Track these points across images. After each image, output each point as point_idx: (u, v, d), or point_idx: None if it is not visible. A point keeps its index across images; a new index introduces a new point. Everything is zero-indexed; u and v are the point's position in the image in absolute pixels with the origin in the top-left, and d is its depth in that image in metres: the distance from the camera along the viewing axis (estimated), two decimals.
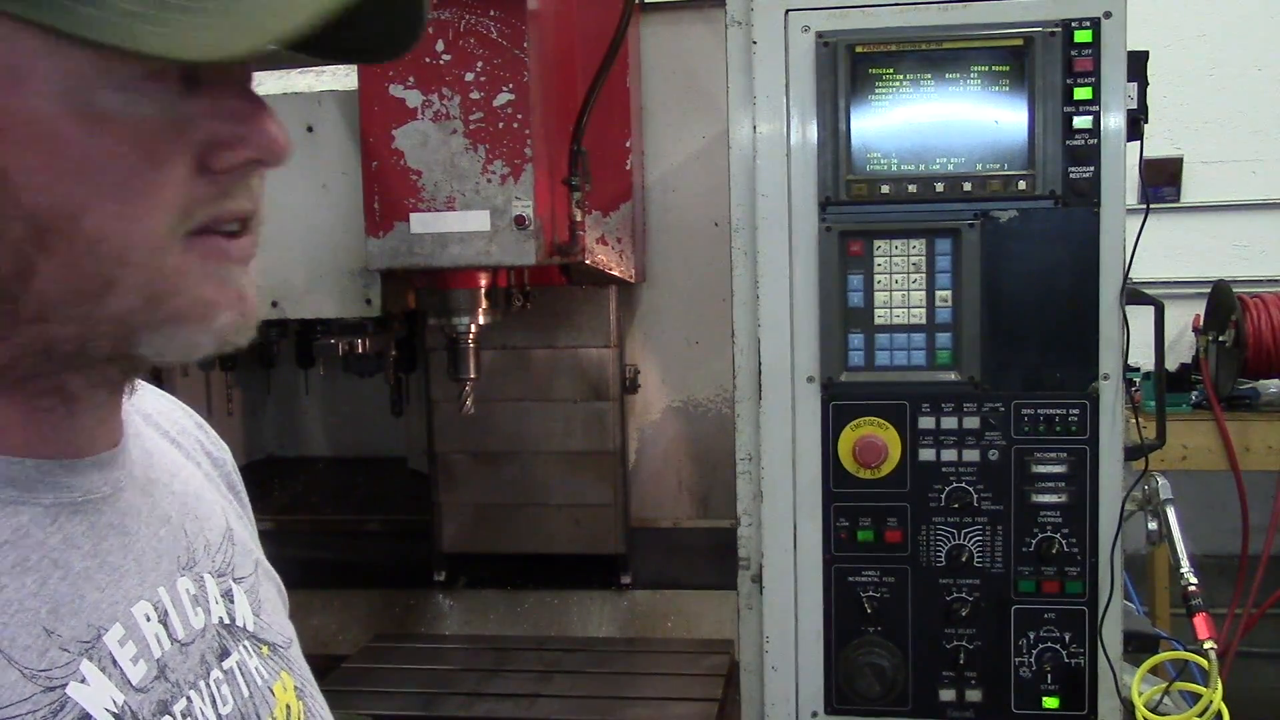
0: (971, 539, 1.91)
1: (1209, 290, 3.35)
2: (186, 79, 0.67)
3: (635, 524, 2.78)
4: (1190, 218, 3.79)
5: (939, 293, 1.90)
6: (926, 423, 1.91)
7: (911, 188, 1.87)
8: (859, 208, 1.89)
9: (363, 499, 3.07)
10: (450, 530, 2.77)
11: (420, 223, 2.08)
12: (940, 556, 1.92)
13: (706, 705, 2.20)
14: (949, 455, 1.91)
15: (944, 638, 1.93)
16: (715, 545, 2.60)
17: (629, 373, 2.77)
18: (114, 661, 0.71)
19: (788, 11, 1.89)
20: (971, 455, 1.90)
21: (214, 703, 0.78)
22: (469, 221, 2.07)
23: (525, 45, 2.04)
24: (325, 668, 2.45)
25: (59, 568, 0.69)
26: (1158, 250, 3.53)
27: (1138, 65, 1.89)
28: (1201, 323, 3.35)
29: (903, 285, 1.90)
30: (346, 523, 2.95)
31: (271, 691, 0.85)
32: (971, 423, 1.90)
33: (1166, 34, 3.60)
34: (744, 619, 2.03)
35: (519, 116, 2.06)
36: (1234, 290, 3.22)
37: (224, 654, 0.82)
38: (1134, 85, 1.87)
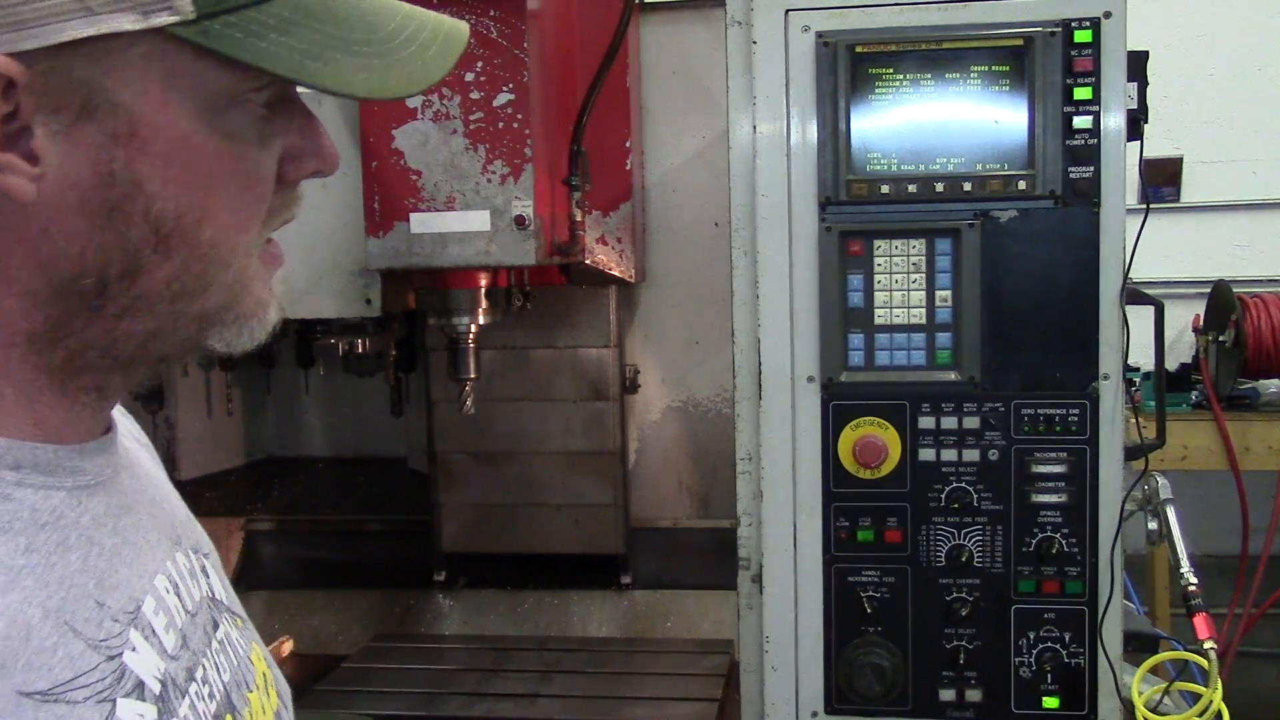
0: (971, 539, 1.91)
1: (1209, 290, 3.35)
2: (273, 101, 0.74)
3: (635, 524, 2.78)
4: (1190, 218, 3.79)
5: (939, 293, 1.90)
6: (926, 423, 1.91)
7: (911, 188, 1.87)
8: (859, 208, 1.89)
9: (363, 499, 3.07)
10: (450, 530, 2.77)
11: (420, 223, 2.08)
12: (940, 556, 1.92)
13: (706, 705, 2.20)
14: (949, 455, 1.91)
15: (944, 638, 1.93)
16: (715, 545, 2.60)
17: (629, 373, 2.77)
18: (153, 631, 0.75)
19: (788, 11, 1.89)
20: (971, 455, 1.90)
21: (218, 670, 0.82)
22: (469, 221, 2.07)
23: (525, 45, 2.04)
24: (325, 668, 2.45)
25: (94, 545, 0.73)
26: (1158, 250, 3.52)
27: (1138, 65, 1.88)
28: (1201, 323, 3.35)
29: (903, 285, 1.90)
30: (346, 523, 2.95)
31: (250, 660, 0.89)
32: (971, 423, 1.90)
33: (1166, 34, 3.60)
34: (744, 619, 2.03)
35: (519, 116, 2.05)
36: (1234, 290, 3.22)
37: (214, 625, 0.85)
38: (1134, 85, 1.87)
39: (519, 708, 2.25)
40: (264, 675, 0.91)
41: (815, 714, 1.97)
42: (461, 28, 0.78)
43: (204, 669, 0.80)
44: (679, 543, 2.80)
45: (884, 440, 1.91)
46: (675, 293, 2.80)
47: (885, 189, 1.88)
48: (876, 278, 1.90)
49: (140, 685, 0.71)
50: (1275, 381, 3.28)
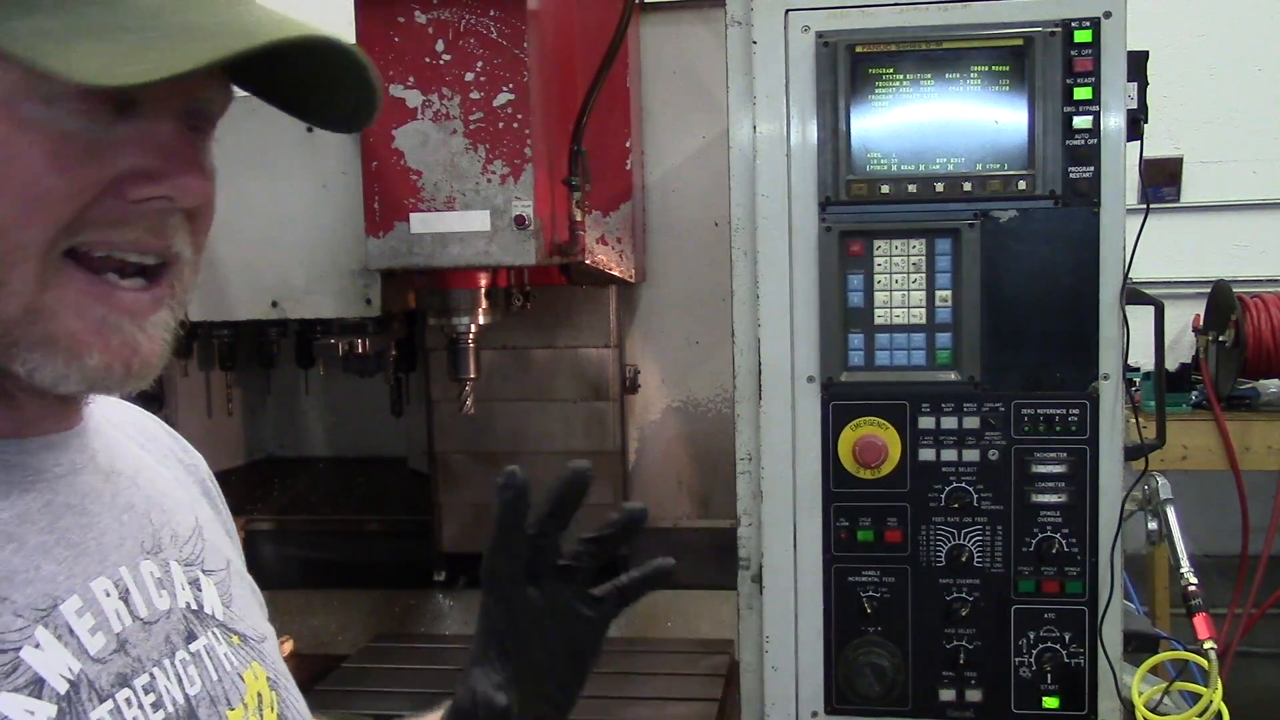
0: (971, 539, 1.91)
1: (1209, 290, 3.35)
2: (121, 104, 0.70)
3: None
4: (1190, 218, 3.79)
5: (939, 293, 1.90)
6: (926, 423, 1.91)
7: (911, 188, 1.87)
8: (859, 208, 1.89)
9: (363, 499, 3.06)
10: (450, 530, 2.77)
11: (420, 222, 2.08)
12: (940, 556, 1.92)
13: (706, 705, 2.20)
14: (949, 455, 1.91)
15: (944, 638, 1.93)
16: (715, 545, 2.60)
17: (629, 373, 2.77)
18: (71, 631, 0.73)
19: (788, 11, 1.89)
20: (971, 455, 1.90)
21: (180, 681, 0.80)
22: (469, 221, 2.07)
23: (525, 45, 2.04)
24: (325, 668, 2.45)
25: (13, 540, 0.72)
26: (1158, 250, 3.52)
27: (1138, 65, 1.88)
28: (1201, 323, 3.34)
29: (903, 285, 1.90)
30: (346, 523, 2.95)
31: (241, 678, 0.86)
32: (971, 423, 1.90)
33: (1166, 34, 3.59)
34: (744, 619, 2.03)
35: (519, 116, 2.05)
36: (1234, 290, 3.22)
37: (191, 637, 0.83)
38: (1134, 85, 1.87)
39: None
40: (258, 695, 0.88)
41: (815, 714, 1.97)
42: (298, 25, 0.71)
43: (151, 677, 0.78)
44: (679, 543, 2.80)
45: (884, 440, 1.91)
46: (675, 293, 2.80)
47: (885, 189, 1.88)
48: (876, 278, 1.90)
49: (38, 681, 0.69)
50: (1275, 381, 3.28)
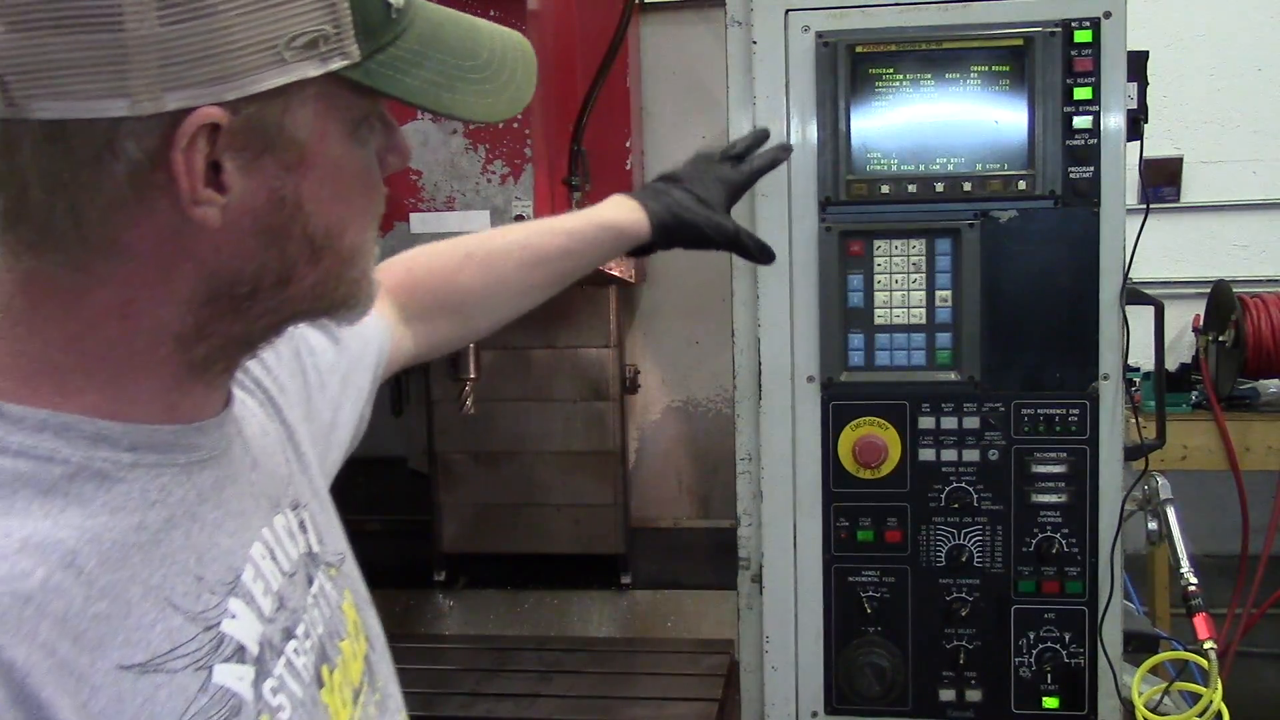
0: (971, 539, 1.91)
1: (1209, 290, 3.35)
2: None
3: (635, 524, 2.78)
4: (1190, 218, 3.78)
5: (939, 293, 1.90)
6: (926, 423, 1.91)
7: (911, 188, 1.88)
8: (859, 208, 1.89)
9: (363, 499, 3.06)
10: (450, 530, 2.77)
11: (420, 222, 2.08)
12: (940, 556, 1.92)
13: (706, 705, 2.20)
14: (949, 455, 1.91)
15: (944, 638, 1.93)
16: (715, 545, 2.60)
17: (629, 373, 2.77)
18: (253, 597, 0.81)
19: (788, 11, 1.89)
20: (971, 455, 1.90)
21: (314, 624, 0.89)
22: (469, 221, 2.07)
23: None
24: None
25: (196, 520, 0.79)
26: (1158, 250, 3.52)
27: (1138, 65, 1.88)
28: (1201, 323, 3.34)
29: (903, 285, 1.90)
30: (346, 523, 2.94)
31: (341, 609, 0.96)
32: (971, 423, 1.90)
33: (1166, 34, 3.60)
34: (744, 619, 2.03)
35: (519, 116, 2.05)
36: (1234, 290, 3.22)
37: (310, 580, 0.92)
38: (1134, 85, 1.87)
39: (519, 708, 2.24)
40: (354, 623, 0.97)
41: (815, 714, 1.97)
42: (524, 43, 0.89)
43: (304, 625, 0.87)
44: (679, 543, 2.80)
45: (884, 440, 1.91)
46: (675, 293, 2.80)
47: (885, 189, 1.88)
48: (876, 278, 1.91)
49: (240, 649, 0.77)
50: (1275, 381, 3.28)
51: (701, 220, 1.45)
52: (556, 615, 2.74)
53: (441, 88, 0.80)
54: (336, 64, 0.74)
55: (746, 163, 1.52)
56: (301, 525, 0.94)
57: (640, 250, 1.45)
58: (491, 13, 2.04)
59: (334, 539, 1.02)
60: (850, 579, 1.94)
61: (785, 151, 1.56)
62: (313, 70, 0.73)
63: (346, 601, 0.98)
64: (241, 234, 0.75)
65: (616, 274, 2.59)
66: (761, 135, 1.55)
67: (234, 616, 0.78)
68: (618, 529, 2.71)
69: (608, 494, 2.70)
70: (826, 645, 1.96)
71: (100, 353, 0.75)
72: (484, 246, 1.37)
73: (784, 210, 1.91)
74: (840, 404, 1.92)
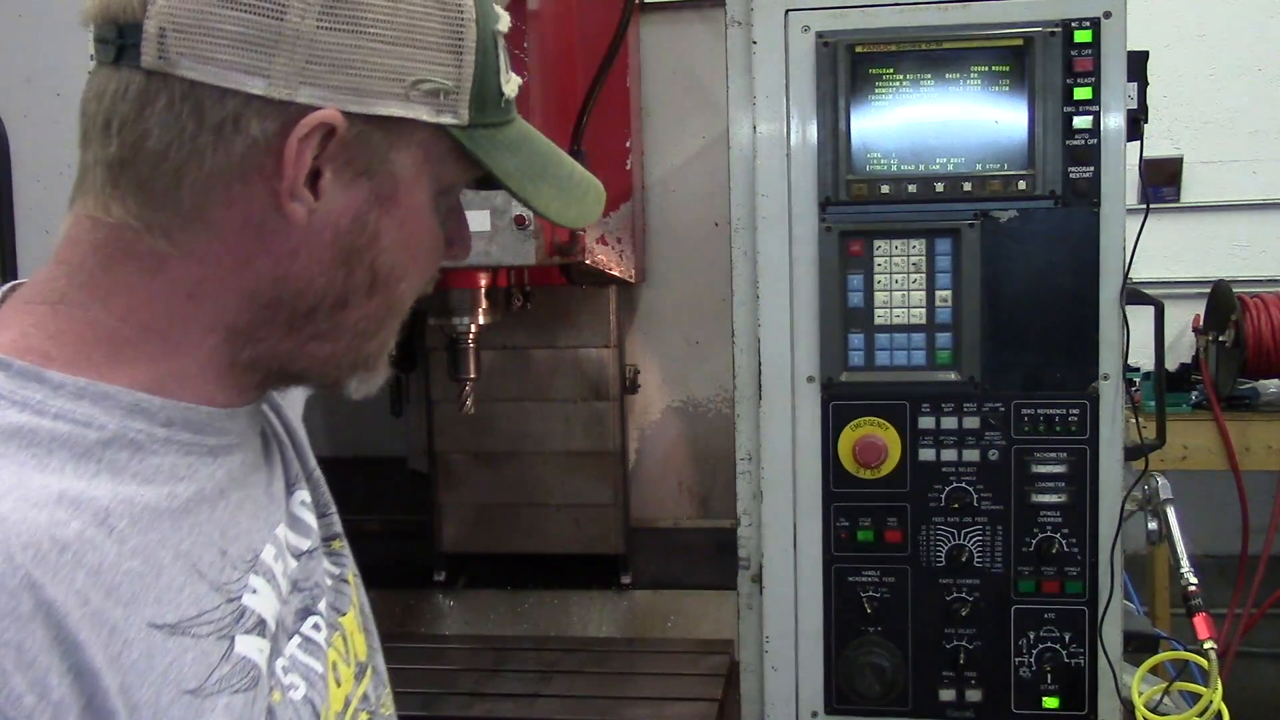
0: (971, 539, 1.91)
1: (1209, 290, 3.35)
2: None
3: (635, 524, 2.78)
4: (1190, 218, 3.79)
5: (939, 293, 1.90)
6: (926, 423, 1.91)
7: (911, 188, 1.87)
8: (859, 208, 1.89)
9: (363, 499, 3.06)
10: (450, 530, 2.77)
11: None
12: (940, 556, 1.92)
13: (706, 705, 2.20)
14: (949, 455, 1.91)
15: (944, 638, 1.93)
16: (715, 545, 2.60)
17: (629, 373, 2.77)
18: (273, 576, 0.84)
19: (788, 11, 1.89)
20: (971, 455, 1.90)
21: (330, 600, 0.93)
22: (469, 222, 2.07)
23: (525, 45, 2.04)
24: None
25: (223, 498, 0.81)
26: (1158, 250, 3.53)
27: (1138, 65, 1.88)
28: (1201, 323, 3.34)
29: (903, 285, 1.90)
30: (346, 523, 2.94)
31: (347, 582, 1.00)
32: (971, 423, 1.90)
33: (1166, 34, 3.60)
34: (744, 619, 2.03)
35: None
36: (1234, 290, 3.22)
37: (324, 557, 0.96)
38: (1134, 85, 1.87)
39: (519, 708, 2.24)
40: (355, 598, 1.01)
41: (815, 714, 1.97)
42: (597, 181, 0.96)
43: (324, 602, 0.91)
44: (679, 543, 2.80)
45: (884, 440, 1.91)
46: (675, 293, 2.80)
47: (885, 189, 1.88)
48: (876, 278, 1.90)
49: (261, 623, 0.80)
50: (1275, 381, 3.28)
51: None
52: (556, 615, 2.74)
53: (528, 179, 0.86)
54: (448, 119, 0.81)
55: None
56: (306, 504, 0.98)
57: None
58: None
59: (333, 514, 1.06)
60: (850, 579, 1.94)
61: None
62: (427, 115, 0.80)
63: (351, 573, 1.02)
64: (319, 245, 0.80)
65: (616, 274, 2.60)
66: None
67: (255, 591, 0.80)
68: (618, 529, 2.71)
69: (608, 494, 2.70)
70: (826, 645, 1.96)
71: (159, 326, 0.78)
72: None
73: (784, 210, 1.91)
74: (840, 404, 1.92)
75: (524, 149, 0.87)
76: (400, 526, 2.89)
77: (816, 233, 1.90)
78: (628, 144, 2.65)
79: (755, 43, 1.90)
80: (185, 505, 0.77)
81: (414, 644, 2.64)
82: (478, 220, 2.06)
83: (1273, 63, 3.74)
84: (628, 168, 2.64)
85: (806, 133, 1.89)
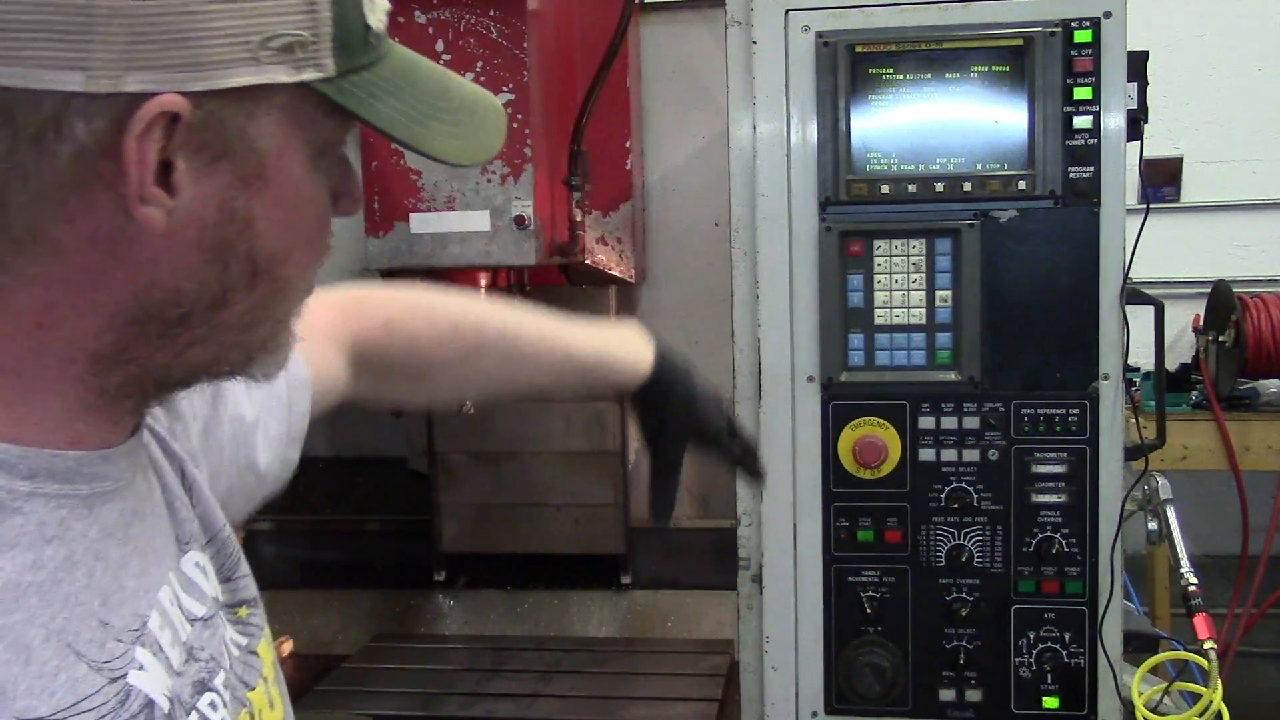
0: (971, 539, 1.91)
1: (1209, 290, 3.35)
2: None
3: (635, 524, 2.77)
4: (1190, 218, 3.79)
5: (939, 293, 1.90)
6: (926, 423, 1.91)
7: (911, 188, 1.87)
8: (859, 208, 1.89)
9: (363, 499, 3.06)
10: (450, 530, 2.77)
11: (420, 222, 2.08)
12: (940, 556, 1.92)
13: (706, 705, 2.20)
14: (949, 455, 1.91)
15: (944, 638, 1.93)
16: (715, 545, 2.60)
17: None
18: (160, 647, 0.73)
19: (788, 11, 1.89)
20: (971, 455, 1.90)
21: (232, 673, 0.82)
22: (469, 221, 2.07)
23: (525, 45, 2.04)
24: (325, 668, 2.45)
25: (100, 559, 0.71)
26: (1158, 250, 3.52)
27: (1138, 65, 1.88)
28: (1201, 323, 3.35)
29: (903, 285, 1.90)
30: (346, 523, 2.95)
31: (256, 654, 0.88)
32: (971, 423, 1.90)
33: (1166, 34, 3.60)
34: (744, 619, 2.03)
35: (519, 116, 2.05)
36: (1234, 290, 3.22)
37: (224, 624, 0.85)
38: (1134, 85, 1.87)
39: (519, 708, 2.24)
40: (270, 666, 0.90)
41: (815, 714, 1.97)
42: (493, 97, 0.84)
43: (223, 675, 0.80)
44: (679, 543, 2.80)
45: (884, 440, 1.91)
46: (675, 293, 2.80)
47: (885, 189, 1.88)
48: (876, 278, 1.90)
49: (149, 705, 0.70)
50: (1275, 381, 3.28)
51: (700, 391, 1.35)
52: (556, 615, 2.74)
53: (414, 121, 0.75)
54: (310, 75, 0.69)
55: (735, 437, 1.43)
56: (201, 566, 0.86)
57: (630, 397, 1.34)
58: (492, 12, 2.04)
59: (244, 578, 0.93)
60: (850, 579, 1.94)
61: (756, 476, 1.53)
62: (285, 76, 0.68)
63: (263, 643, 0.90)
64: (184, 245, 0.69)
65: (616, 274, 2.60)
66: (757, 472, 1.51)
67: (142, 668, 0.70)
68: (617, 529, 2.71)
69: (608, 494, 2.70)
70: (826, 645, 1.96)
71: (9, 364, 0.68)
72: (476, 325, 1.25)
73: (784, 210, 1.91)
74: (840, 404, 1.92)
75: (405, 88, 0.75)
76: (400, 526, 2.89)
77: (816, 233, 1.90)
78: (628, 144, 2.65)
79: (755, 43, 1.90)
80: (55, 573, 0.67)
81: (414, 644, 2.65)
82: (478, 220, 2.07)
83: (1273, 63, 3.74)
84: (628, 168, 2.64)
85: (806, 133, 1.89)
